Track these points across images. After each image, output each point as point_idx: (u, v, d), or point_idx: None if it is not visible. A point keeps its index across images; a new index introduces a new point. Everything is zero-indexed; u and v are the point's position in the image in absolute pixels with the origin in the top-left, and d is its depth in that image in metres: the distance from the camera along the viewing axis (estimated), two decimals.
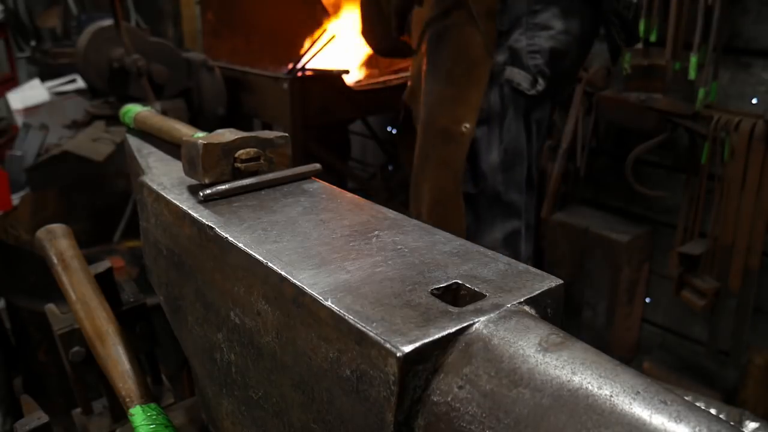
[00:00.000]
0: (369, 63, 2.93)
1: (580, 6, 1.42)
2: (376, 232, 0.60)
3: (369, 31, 1.60)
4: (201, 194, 0.68)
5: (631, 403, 0.37)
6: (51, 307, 0.91)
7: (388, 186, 2.86)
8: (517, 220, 1.54)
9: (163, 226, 0.71)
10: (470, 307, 0.47)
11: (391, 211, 0.66)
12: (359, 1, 1.61)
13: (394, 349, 0.41)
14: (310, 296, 0.49)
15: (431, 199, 1.56)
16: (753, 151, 1.89)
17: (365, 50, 2.60)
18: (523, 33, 1.41)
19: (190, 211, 0.65)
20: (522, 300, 0.48)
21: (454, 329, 0.44)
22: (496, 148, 1.49)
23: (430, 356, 0.43)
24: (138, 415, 0.72)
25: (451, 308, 0.46)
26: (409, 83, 1.82)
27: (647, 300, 2.50)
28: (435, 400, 0.43)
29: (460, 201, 1.51)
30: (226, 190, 0.69)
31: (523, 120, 1.48)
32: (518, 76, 1.43)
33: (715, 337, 2.21)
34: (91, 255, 1.97)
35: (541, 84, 1.43)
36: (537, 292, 0.49)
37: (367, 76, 2.84)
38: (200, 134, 0.78)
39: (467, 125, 1.45)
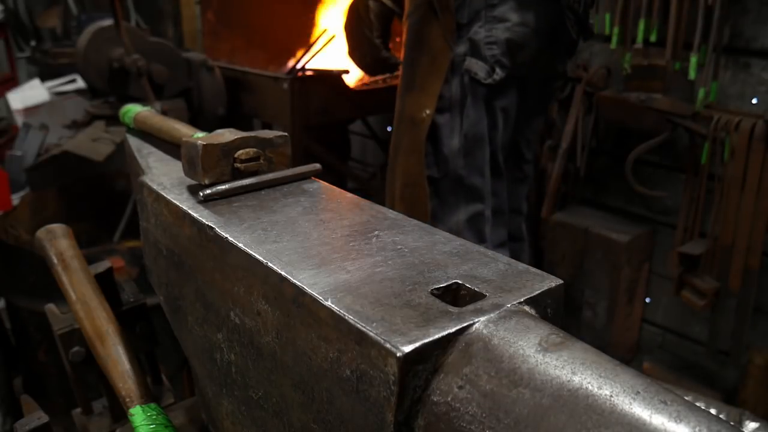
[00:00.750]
0: None
1: (536, 0, 1.47)
2: (376, 232, 0.60)
3: (355, 49, 1.65)
4: (201, 194, 0.68)
5: (631, 403, 0.37)
6: (51, 307, 0.91)
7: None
8: (480, 203, 1.61)
9: (163, 226, 0.71)
10: (470, 307, 0.47)
11: (391, 211, 0.66)
12: (344, 22, 1.64)
13: (394, 349, 0.41)
14: (310, 296, 0.49)
15: (401, 183, 1.66)
16: (753, 151, 1.89)
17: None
18: (482, 25, 1.49)
19: (190, 211, 0.65)
20: (522, 300, 0.48)
21: (454, 329, 0.44)
22: (457, 134, 1.56)
23: (430, 356, 0.43)
24: (138, 415, 0.72)
25: (451, 308, 0.46)
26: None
27: (647, 300, 2.50)
28: (435, 400, 0.43)
29: (425, 183, 1.59)
30: (226, 190, 0.69)
31: (486, 107, 1.55)
32: (476, 66, 1.50)
33: (715, 337, 2.21)
34: (91, 255, 1.98)
35: (498, 74, 1.50)
36: (537, 292, 0.49)
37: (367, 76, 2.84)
38: (200, 134, 0.78)
39: (428, 111, 1.54)
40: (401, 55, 1.64)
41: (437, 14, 1.50)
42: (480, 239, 1.63)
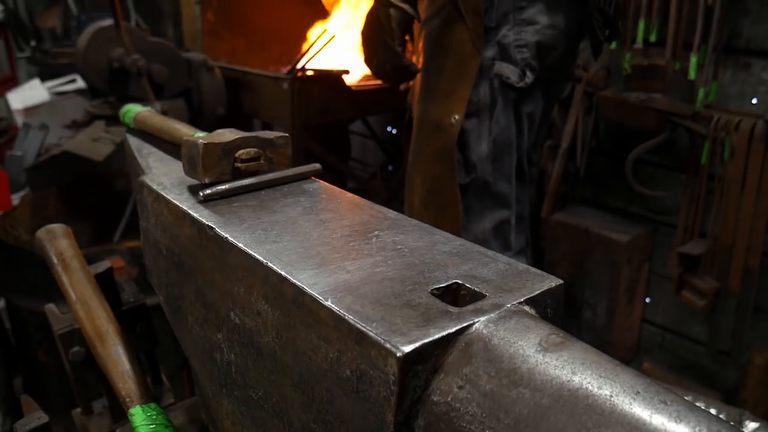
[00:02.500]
0: None
1: (565, 1, 1.46)
2: (376, 232, 0.60)
3: (374, 57, 1.60)
4: (201, 194, 0.68)
5: (631, 403, 0.37)
6: (51, 307, 0.91)
7: (388, 186, 2.86)
8: (507, 210, 1.59)
9: (163, 226, 0.71)
10: (470, 307, 0.47)
11: (391, 211, 0.66)
12: (362, 29, 1.60)
13: (394, 349, 0.41)
14: (310, 296, 0.49)
15: (425, 190, 1.62)
16: (753, 151, 1.90)
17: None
18: (511, 29, 1.47)
19: (190, 211, 0.65)
20: (522, 300, 0.48)
21: (454, 329, 0.44)
22: (485, 140, 1.55)
23: (430, 356, 0.43)
24: (138, 415, 0.72)
25: (451, 308, 0.46)
26: (410, 84, 1.84)
27: (647, 300, 2.50)
28: (435, 400, 0.43)
29: (456, 190, 1.56)
30: (226, 190, 0.69)
31: (513, 113, 1.54)
32: (507, 70, 1.49)
33: (715, 337, 2.21)
34: (91, 255, 1.97)
35: (529, 77, 1.48)
36: (537, 292, 0.49)
37: (367, 76, 2.84)
38: (200, 134, 0.78)
39: (456, 116, 1.52)
40: (419, 60, 1.62)
41: (463, 18, 1.47)
42: (506, 247, 1.61)
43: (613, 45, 2.15)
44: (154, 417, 0.72)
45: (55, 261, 0.89)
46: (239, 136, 0.72)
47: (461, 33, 1.49)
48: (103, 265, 0.93)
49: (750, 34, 2.01)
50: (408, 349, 0.41)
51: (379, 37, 1.53)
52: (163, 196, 0.70)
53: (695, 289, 2.12)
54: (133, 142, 0.92)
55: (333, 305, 0.47)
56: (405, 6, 1.48)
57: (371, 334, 0.43)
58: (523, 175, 1.62)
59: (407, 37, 1.63)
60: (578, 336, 0.44)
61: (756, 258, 1.97)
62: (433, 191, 1.59)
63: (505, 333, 0.44)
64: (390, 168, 3.11)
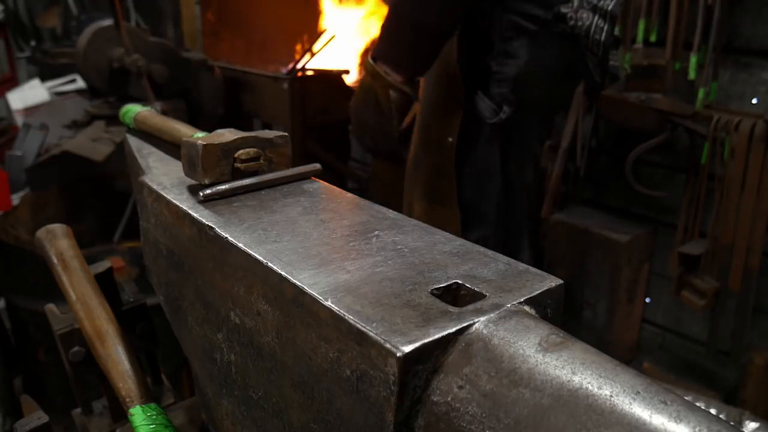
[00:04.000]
0: None
1: (553, 39, 1.40)
2: (376, 232, 0.60)
3: (366, 133, 1.52)
4: (201, 194, 0.68)
5: (631, 403, 0.37)
6: (51, 307, 0.91)
7: None
8: (489, 228, 1.59)
9: (163, 226, 0.71)
10: (470, 307, 0.47)
11: (391, 211, 0.66)
12: (353, 105, 1.51)
13: (394, 349, 0.41)
14: (310, 296, 0.49)
15: (426, 203, 1.60)
16: (753, 151, 1.89)
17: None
18: (493, 59, 1.42)
19: (190, 211, 0.65)
20: (522, 300, 0.48)
21: (454, 329, 0.44)
22: (470, 166, 1.52)
23: (430, 356, 0.43)
24: (138, 415, 0.72)
25: (451, 308, 0.46)
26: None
27: (647, 300, 2.50)
28: (435, 400, 0.43)
29: (456, 206, 1.55)
30: (226, 190, 0.69)
31: (498, 143, 1.50)
32: (482, 104, 1.45)
33: (715, 337, 2.21)
34: (91, 255, 1.97)
35: (505, 111, 1.43)
36: (537, 292, 0.49)
37: None
38: (200, 134, 0.78)
39: (450, 139, 1.49)
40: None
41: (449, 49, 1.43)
42: None
43: None
44: (154, 417, 0.72)
45: (55, 261, 0.89)
46: (239, 136, 0.72)
47: (449, 66, 1.45)
48: (103, 265, 0.93)
49: (750, 34, 2.01)
50: (408, 349, 0.41)
51: (375, 119, 1.44)
52: (163, 196, 0.70)
53: (695, 289, 2.12)
54: (133, 142, 0.92)
55: (333, 305, 0.47)
56: (406, 88, 1.39)
57: (371, 334, 0.43)
58: (510, 194, 1.59)
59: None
60: (578, 336, 0.44)
61: (756, 258, 1.97)
62: (435, 206, 1.57)
63: (505, 333, 0.44)
64: None
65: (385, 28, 1.37)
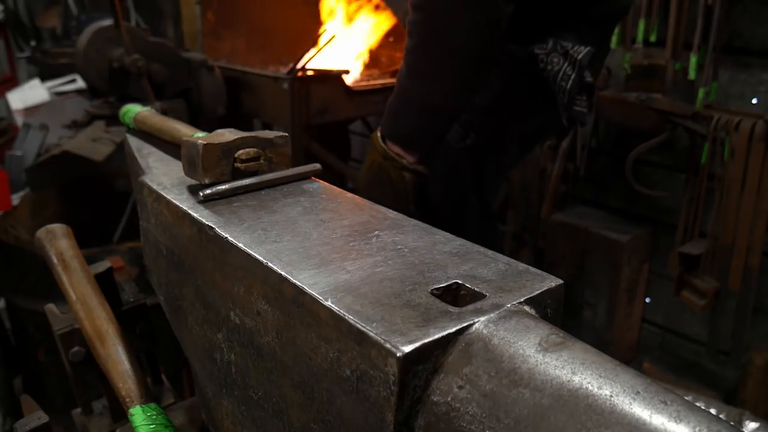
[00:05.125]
0: (369, 63, 2.94)
1: (525, 76, 1.36)
2: (376, 232, 0.60)
3: (374, 198, 1.51)
4: (201, 194, 0.68)
5: (631, 403, 0.37)
6: (51, 307, 0.91)
7: None
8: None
9: (163, 226, 0.71)
10: (470, 307, 0.47)
11: (391, 211, 0.66)
12: (363, 181, 1.45)
13: (394, 349, 0.41)
14: (310, 296, 0.49)
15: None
16: (753, 151, 1.90)
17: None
18: None
19: (190, 211, 0.65)
20: (522, 300, 0.48)
21: (454, 329, 0.44)
22: (442, 185, 1.48)
23: (430, 356, 0.43)
24: (138, 415, 0.72)
25: (451, 308, 0.46)
26: None
27: (647, 300, 2.50)
28: (435, 400, 0.43)
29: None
30: (226, 190, 0.69)
31: (469, 168, 1.47)
32: (452, 129, 1.41)
33: (715, 337, 2.21)
34: (91, 255, 1.97)
35: (471, 138, 1.40)
36: (537, 292, 0.49)
37: (367, 76, 2.84)
38: (200, 134, 0.78)
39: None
40: None
41: None
42: None
43: (614, 44, 2.15)
44: (154, 417, 0.72)
45: (55, 261, 0.89)
46: (239, 136, 0.72)
47: None
48: (103, 265, 0.93)
49: (750, 34, 2.01)
50: (408, 349, 0.41)
51: (390, 197, 1.38)
52: (163, 196, 0.70)
53: (695, 289, 2.12)
54: (133, 142, 0.92)
55: (333, 305, 0.47)
56: (421, 167, 1.33)
57: (371, 334, 0.43)
58: (486, 213, 1.57)
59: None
60: (578, 336, 0.44)
61: (756, 258, 1.97)
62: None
63: (505, 333, 0.44)
64: None
65: (394, 107, 1.32)
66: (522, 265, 0.54)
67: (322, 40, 2.43)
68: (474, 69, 1.24)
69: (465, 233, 1.53)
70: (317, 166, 0.78)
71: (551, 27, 1.30)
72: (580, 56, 1.27)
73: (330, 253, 0.56)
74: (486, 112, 1.38)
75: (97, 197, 2.59)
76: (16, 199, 2.60)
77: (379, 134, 1.35)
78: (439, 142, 1.35)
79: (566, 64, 1.29)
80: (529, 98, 1.40)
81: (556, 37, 1.28)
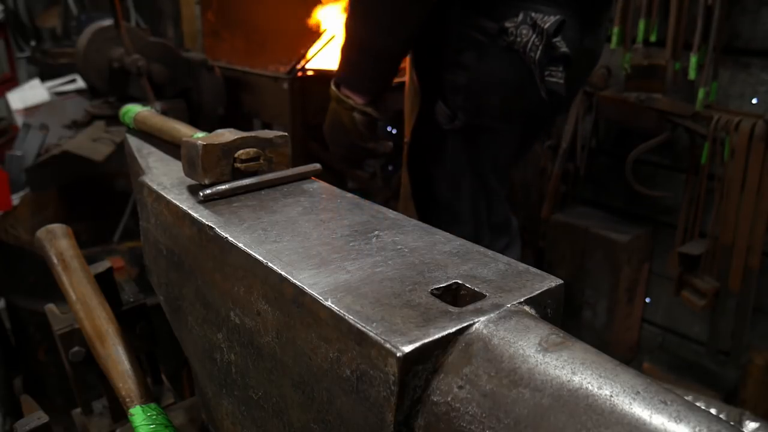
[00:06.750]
0: None
1: (502, 51, 1.37)
2: (376, 232, 0.60)
3: (341, 153, 1.58)
4: (201, 194, 0.68)
5: (631, 403, 0.37)
6: (51, 307, 0.91)
7: (388, 186, 2.86)
8: (465, 227, 1.60)
9: (163, 226, 0.71)
10: (470, 307, 0.47)
11: (391, 211, 0.66)
12: (324, 128, 1.56)
13: (394, 349, 0.41)
14: (310, 296, 0.49)
15: (403, 199, 1.71)
16: (753, 151, 1.90)
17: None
18: (447, 69, 1.43)
19: (190, 211, 0.65)
20: (522, 300, 0.48)
21: (454, 329, 0.44)
22: (440, 168, 1.55)
23: (430, 356, 0.43)
24: (138, 415, 0.72)
25: (451, 308, 0.46)
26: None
27: (647, 300, 2.50)
28: (435, 400, 0.43)
29: (410, 198, 1.62)
30: (226, 190, 0.69)
31: (466, 149, 1.51)
32: (439, 111, 1.46)
33: (715, 337, 2.21)
34: (91, 255, 1.97)
35: (460, 119, 1.43)
36: (537, 292, 0.49)
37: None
38: (200, 134, 0.78)
39: (406, 139, 1.55)
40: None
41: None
42: None
43: (614, 44, 2.15)
44: (154, 417, 0.72)
45: (55, 261, 0.89)
46: (238, 136, 0.72)
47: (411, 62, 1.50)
48: (103, 265, 0.93)
49: (750, 34, 2.01)
50: (408, 349, 0.41)
51: (345, 139, 1.49)
52: (163, 196, 0.70)
53: (695, 289, 2.12)
54: (133, 142, 0.92)
55: (333, 305, 0.47)
56: (369, 109, 1.42)
57: (371, 334, 0.43)
58: (489, 194, 1.60)
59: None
60: (578, 336, 0.44)
61: (756, 258, 1.97)
62: (405, 197, 1.65)
63: (505, 333, 0.44)
64: (390, 168, 3.10)
65: (343, 53, 1.41)
66: (522, 265, 0.54)
67: (321, 40, 2.43)
68: (410, 8, 1.29)
69: (463, 217, 1.53)
70: (317, 166, 0.78)
71: (523, 0, 1.33)
72: (546, 26, 1.29)
73: (330, 253, 0.56)
74: (467, 91, 1.41)
75: (97, 197, 2.59)
76: (16, 199, 2.59)
77: (332, 83, 1.45)
78: (385, 85, 1.43)
79: (534, 35, 1.31)
80: (509, 74, 1.41)
81: (526, 9, 1.31)
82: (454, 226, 1.58)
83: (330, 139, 1.56)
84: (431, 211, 1.60)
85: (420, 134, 1.53)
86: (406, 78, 1.64)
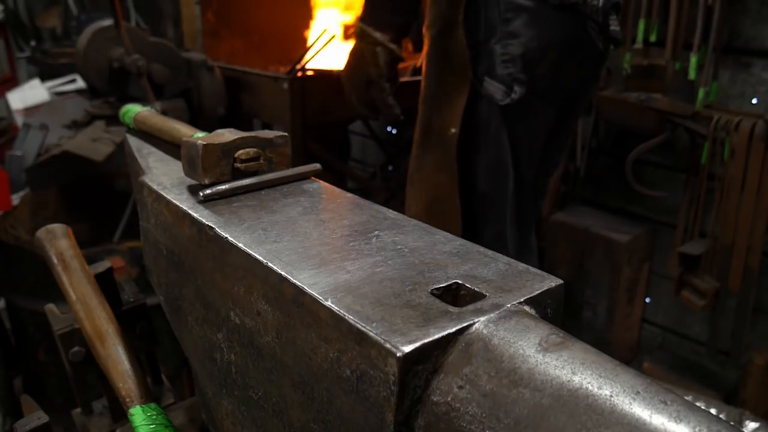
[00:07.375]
0: None
1: (552, 12, 1.40)
2: (376, 232, 0.60)
3: (358, 93, 1.65)
4: (201, 194, 0.68)
5: (631, 403, 0.37)
6: (51, 307, 0.91)
7: (388, 186, 2.86)
8: (503, 224, 1.59)
9: (163, 226, 0.71)
10: (470, 307, 0.47)
11: (391, 211, 0.66)
12: (345, 69, 1.65)
13: (394, 349, 0.41)
14: (310, 296, 0.49)
15: (427, 198, 1.61)
16: (753, 151, 1.90)
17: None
18: (497, 42, 1.43)
19: (190, 211, 0.65)
20: (522, 300, 0.48)
21: (454, 329, 0.44)
22: (483, 155, 1.54)
23: (430, 356, 0.43)
24: (138, 415, 0.72)
25: (451, 308, 0.46)
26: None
27: (647, 300, 2.50)
28: (435, 400, 0.43)
29: (457, 200, 1.55)
30: (226, 190, 0.69)
31: (508, 130, 1.50)
32: (491, 88, 1.46)
33: (715, 337, 2.21)
34: (91, 255, 1.97)
35: (516, 92, 1.44)
36: (537, 292, 0.49)
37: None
38: (200, 134, 0.78)
39: (453, 130, 1.51)
40: (423, 65, 1.59)
41: (455, 30, 1.45)
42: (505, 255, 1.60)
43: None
44: (154, 417, 0.72)
45: (55, 261, 0.89)
46: (238, 136, 0.72)
47: (456, 45, 1.46)
48: (103, 265, 0.93)
49: (750, 34, 2.01)
50: (408, 349, 0.41)
51: (364, 76, 1.57)
52: (163, 196, 0.70)
53: (695, 289, 2.12)
54: (133, 142, 0.92)
55: (333, 305, 0.47)
56: (393, 46, 1.52)
57: (371, 334, 0.43)
58: (524, 187, 1.59)
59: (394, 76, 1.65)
60: (578, 336, 0.44)
61: (756, 258, 1.97)
62: (435, 200, 1.59)
63: (505, 333, 0.44)
64: (390, 168, 3.10)
65: None
66: (522, 265, 0.54)
67: (321, 40, 2.43)
68: None
69: (502, 208, 1.52)
70: (317, 166, 0.78)
71: None
72: None
73: (330, 253, 0.56)
74: (522, 59, 1.43)
75: (97, 197, 2.59)
76: (16, 199, 2.59)
77: (359, 21, 1.56)
78: (404, 19, 1.56)
79: None
80: (563, 33, 1.44)
81: None
82: (496, 223, 1.58)
83: (348, 79, 1.65)
84: (471, 211, 1.59)
85: (466, 122, 1.53)
86: (422, 82, 1.62)
